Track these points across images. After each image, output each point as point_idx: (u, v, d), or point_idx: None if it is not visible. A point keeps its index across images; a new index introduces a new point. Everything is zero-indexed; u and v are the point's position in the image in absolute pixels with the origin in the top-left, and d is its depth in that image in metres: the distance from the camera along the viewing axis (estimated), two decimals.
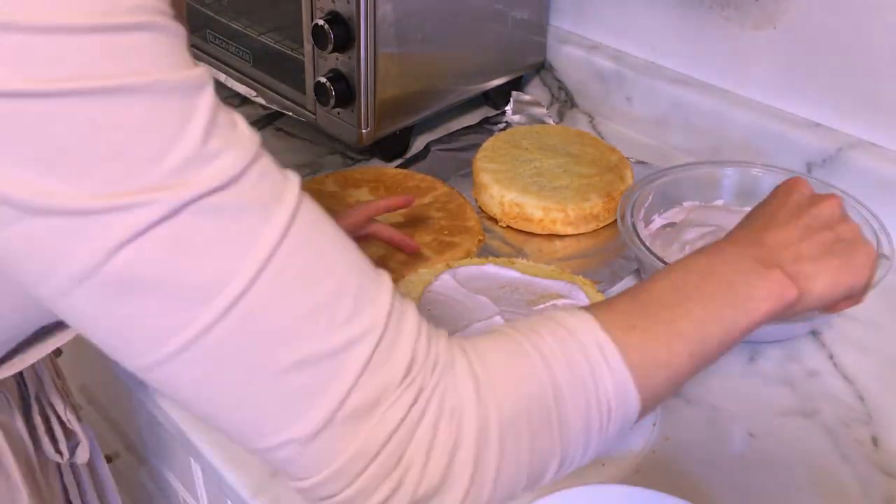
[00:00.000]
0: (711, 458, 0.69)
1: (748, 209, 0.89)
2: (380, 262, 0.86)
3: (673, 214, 0.91)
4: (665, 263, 0.77)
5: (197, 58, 1.32)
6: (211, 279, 0.36)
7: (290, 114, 1.10)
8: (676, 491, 0.59)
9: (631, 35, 1.14)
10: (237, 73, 1.15)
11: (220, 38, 1.17)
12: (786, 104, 1.01)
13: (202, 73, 0.37)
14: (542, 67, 1.22)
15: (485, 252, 0.91)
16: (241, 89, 1.15)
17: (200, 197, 0.35)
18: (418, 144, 1.11)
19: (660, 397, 0.49)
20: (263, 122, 1.16)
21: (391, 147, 1.08)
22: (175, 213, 0.35)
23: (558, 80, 1.22)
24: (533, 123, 1.14)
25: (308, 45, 1.01)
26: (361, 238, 0.85)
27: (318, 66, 1.01)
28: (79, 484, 0.71)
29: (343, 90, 0.99)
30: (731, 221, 0.87)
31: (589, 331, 0.46)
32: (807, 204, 0.57)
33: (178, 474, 0.95)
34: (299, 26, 1.01)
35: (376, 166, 1.06)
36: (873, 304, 0.84)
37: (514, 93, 1.18)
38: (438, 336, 0.43)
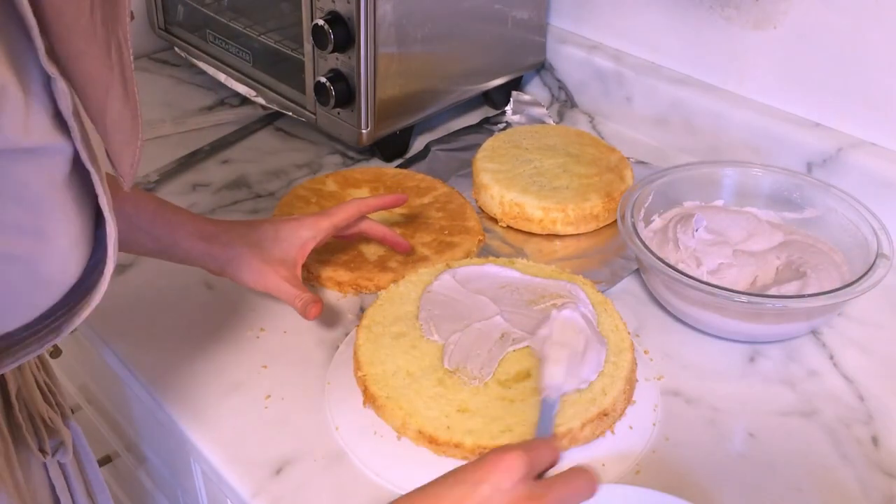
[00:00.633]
0: (711, 458, 0.69)
1: (748, 209, 0.91)
2: (380, 262, 0.86)
3: (673, 214, 0.91)
4: (665, 263, 0.77)
5: (197, 58, 1.33)
6: None
7: (290, 114, 1.10)
8: (676, 491, 0.59)
9: (631, 35, 1.14)
10: (237, 73, 1.15)
11: (220, 38, 1.17)
12: (786, 104, 1.01)
13: None
14: (542, 67, 1.22)
15: (485, 252, 0.91)
16: (241, 89, 1.15)
17: None
18: (418, 144, 1.11)
19: None
20: (263, 122, 1.16)
21: (391, 147, 1.08)
22: None
23: (558, 80, 1.22)
24: (533, 123, 1.14)
25: (308, 45, 1.01)
26: (352, 235, 0.85)
27: (318, 66, 1.01)
28: (67, 480, 0.71)
29: (343, 90, 0.99)
30: (731, 221, 0.87)
31: None
32: None
33: (178, 474, 0.95)
34: (299, 26, 1.01)
35: (376, 166, 1.06)
36: (873, 304, 0.85)
37: (514, 93, 1.18)
38: None
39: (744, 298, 0.74)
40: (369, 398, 0.70)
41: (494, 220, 0.96)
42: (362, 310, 0.83)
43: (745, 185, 0.92)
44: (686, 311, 0.80)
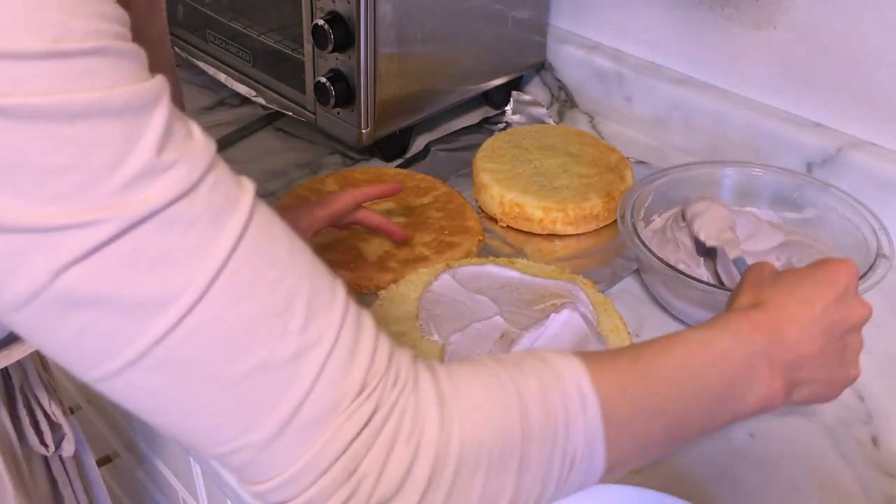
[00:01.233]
0: (711, 458, 0.69)
1: (748, 209, 0.91)
2: (380, 262, 0.86)
3: (673, 214, 0.91)
4: (665, 263, 0.77)
5: (197, 58, 1.32)
6: (164, 291, 0.35)
7: (290, 114, 1.10)
8: (676, 491, 0.59)
9: (631, 35, 1.14)
10: (237, 73, 1.15)
11: (220, 38, 1.17)
12: (786, 104, 1.01)
13: (155, 86, 0.36)
14: (542, 67, 1.22)
15: (485, 252, 0.91)
16: (241, 89, 1.15)
17: (153, 213, 0.35)
18: (418, 144, 1.11)
19: (627, 464, 0.48)
20: (263, 122, 1.16)
21: (391, 147, 1.08)
22: (128, 230, 0.34)
23: (558, 80, 1.22)
24: (533, 123, 1.14)
25: (308, 45, 1.01)
26: (348, 224, 0.85)
27: (318, 66, 1.01)
28: (68, 476, 0.72)
29: (343, 90, 0.99)
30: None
31: (575, 378, 0.45)
32: (842, 306, 0.57)
33: (178, 474, 0.95)
34: (299, 26, 1.01)
35: (376, 166, 1.06)
36: (873, 304, 0.84)
37: (514, 93, 1.18)
38: (401, 352, 0.43)
39: None
40: None
41: (494, 220, 0.96)
42: None
43: (745, 185, 0.92)
44: (686, 311, 0.80)
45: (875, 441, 0.71)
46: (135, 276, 0.35)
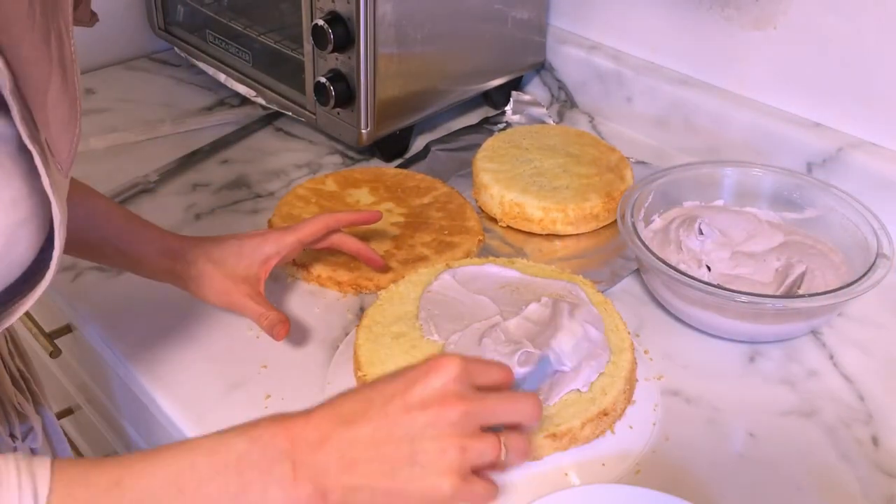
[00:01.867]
0: (711, 458, 0.69)
1: (748, 209, 0.91)
2: None
3: (673, 214, 0.91)
4: (665, 263, 0.77)
5: (197, 58, 1.33)
6: None
7: (290, 114, 1.10)
8: (676, 491, 0.59)
9: (631, 35, 1.14)
10: (237, 73, 1.15)
11: (220, 38, 1.17)
12: (786, 104, 1.01)
13: None
14: (542, 67, 1.22)
15: (485, 252, 0.91)
16: (241, 89, 1.15)
17: None
18: (418, 144, 1.11)
19: None
20: (263, 122, 1.16)
21: (391, 147, 1.08)
22: None
23: (558, 80, 1.22)
24: (533, 123, 1.14)
25: (308, 45, 1.01)
26: (321, 249, 0.83)
27: (317, 66, 1.01)
28: None
29: (343, 90, 0.99)
30: (731, 222, 0.87)
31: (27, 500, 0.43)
32: (426, 399, 0.50)
33: None
34: (299, 26, 1.01)
35: (376, 166, 1.06)
36: (873, 304, 0.85)
37: (514, 93, 1.18)
38: None
39: (744, 298, 0.74)
40: None
41: (494, 220, 0.96)
42: (362, 310, 0.83)
43: (745, 185, 0.92)
44: (686, 311, 0.80)
45: (875, 441, 0.71)
46: None
